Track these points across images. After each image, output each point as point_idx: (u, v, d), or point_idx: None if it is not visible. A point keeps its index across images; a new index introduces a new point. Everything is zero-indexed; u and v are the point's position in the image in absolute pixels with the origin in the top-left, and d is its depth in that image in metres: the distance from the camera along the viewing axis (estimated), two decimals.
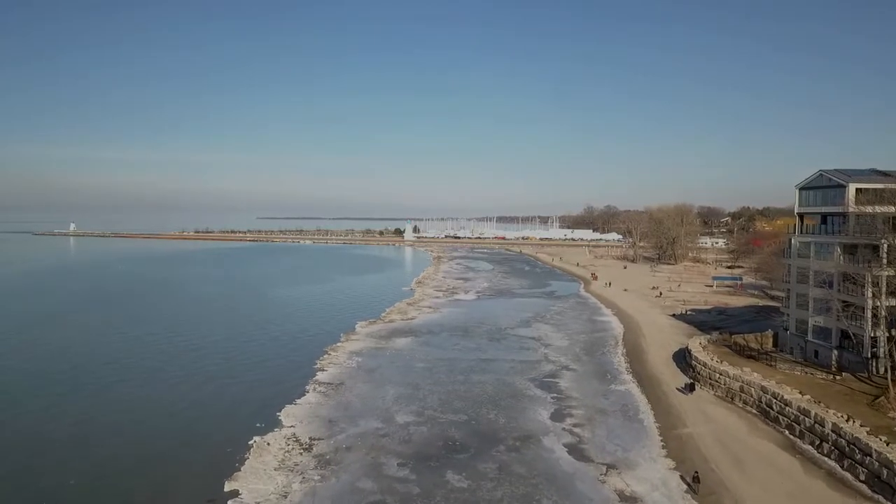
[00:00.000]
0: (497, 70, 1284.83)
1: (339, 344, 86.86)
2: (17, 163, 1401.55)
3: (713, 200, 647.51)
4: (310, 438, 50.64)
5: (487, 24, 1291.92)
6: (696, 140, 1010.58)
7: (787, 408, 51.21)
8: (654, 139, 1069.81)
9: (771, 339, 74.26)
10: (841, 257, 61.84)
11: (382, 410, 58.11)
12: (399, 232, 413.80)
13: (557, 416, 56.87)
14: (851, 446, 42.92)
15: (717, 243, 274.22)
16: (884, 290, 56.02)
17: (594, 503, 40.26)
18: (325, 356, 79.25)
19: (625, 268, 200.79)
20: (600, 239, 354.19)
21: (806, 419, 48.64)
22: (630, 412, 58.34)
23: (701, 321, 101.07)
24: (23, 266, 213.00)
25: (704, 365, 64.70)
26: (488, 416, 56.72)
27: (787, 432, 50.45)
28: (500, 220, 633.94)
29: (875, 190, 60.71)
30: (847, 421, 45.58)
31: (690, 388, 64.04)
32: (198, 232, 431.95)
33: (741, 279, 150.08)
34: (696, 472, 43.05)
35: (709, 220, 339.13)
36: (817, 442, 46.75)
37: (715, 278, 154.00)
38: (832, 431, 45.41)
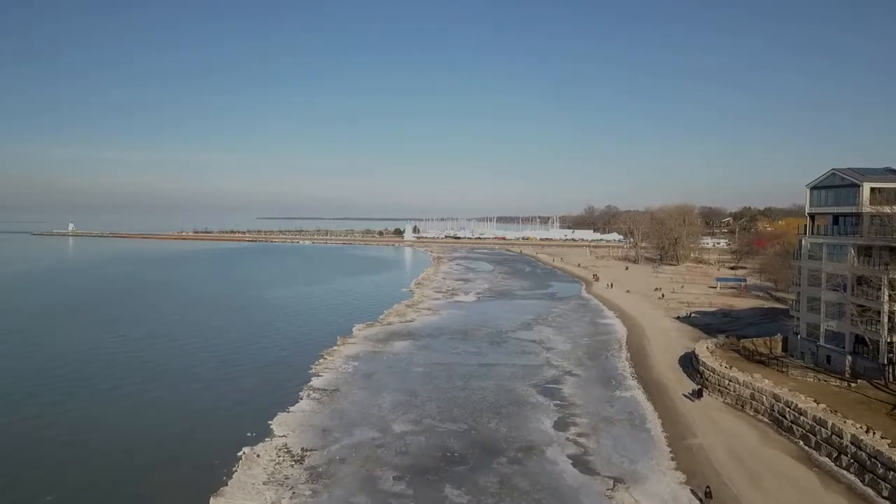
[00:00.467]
0: (497, 70, 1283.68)
1: (335, 348, 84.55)
2: (17, 163, 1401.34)
3: (714, 200, 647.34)
4: (302, 449, 48.36)
5: (487, 24, 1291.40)
6: (696, 140, 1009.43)
7: (802, 417, 48.93)
8: (655, 139, 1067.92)
9: (780, 344, 71.99)
10: (855, 259, 59.55)
11: (378, 419, 55.82)
12: (399, 232, 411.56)
13: (561, 426, 54.56)
14: (873, 460, 40.66)
15: (718, 244, 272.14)
16: None
17: None
18: (321, 361, 76.97)
19: (626, 269, 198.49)
20: (601, 239, 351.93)
21: (822, 430, 46.37)
22: (636, 421, 56.03)
23: (706, 324, 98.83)
24: (17, 267, 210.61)
25: (713, 371, 62.40)
26: (489, 425, 54.42)
27: (801, 443, 48.20)
28: (501, 220, 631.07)
29: (891, 189, 58.50)
30: (867, 432, 43.28)
31: (698, 394, 61.80)
32: (197, 232, 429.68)
33: (745, 280, 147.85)
34: (708, 487, 40.81)
35: (710, 220, 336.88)
36: (835, 454, 44.48)
37: (719, 279, 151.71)
38: (851, 444, 43.14)
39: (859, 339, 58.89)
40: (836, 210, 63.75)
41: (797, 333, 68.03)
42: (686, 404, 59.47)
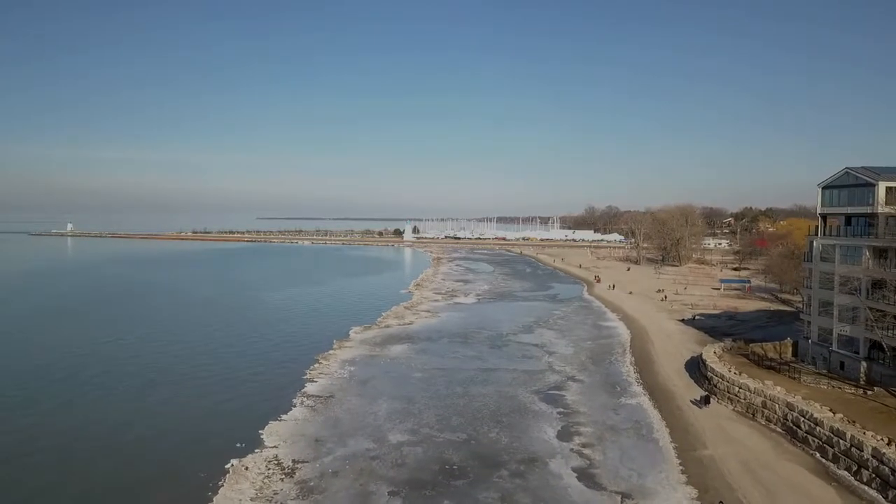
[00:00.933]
0: (497, 70, 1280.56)
1: (331, 352, 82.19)
2: (17, 163, 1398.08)
3: (714, 201, 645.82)
4: (293, 461, 46.03)
5: (487, 24, 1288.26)
6: (696, 140, 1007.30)
7: (818, 428, 46.61)
8: (655, 139, 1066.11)
9: (790, 348, 69.65)
10: (870, 261, 57.26)
11: (374, 428, 53.46)
12: (398, 233, 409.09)
13: (565, 435, 52.20)
14: None
15: (720, 244, 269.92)
16: None
17: None
18: (316, 365, 74.60)
19: (628, 269, 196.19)
20: (602, 240, 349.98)
21: (840, 441, 44.04)
22: (643, 430, 53.65)
23: (711, 326, 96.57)
24: (10, 266, 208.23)
25: (722, 377, 60.07)
26: (489, 435, 52.06)
27: (818, 455, 45.89)
28: (501, 220, 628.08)
29: None
30: (888, 445, 41.01)
31: (706, 400, 59.53)
32: (195, 232, 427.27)
33: (749, 282, 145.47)
34: (721, 503, 38.54)
35: (711, 220, 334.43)
36: (854, 468, 42.16)
37: (722, 281, 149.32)
38: (872, 457, 40.84)
39: (875, 345, 56.59)
40: (849, 210, 61.54)
41: (808, 338, 65.74)
42: (694, 412, 57.16)
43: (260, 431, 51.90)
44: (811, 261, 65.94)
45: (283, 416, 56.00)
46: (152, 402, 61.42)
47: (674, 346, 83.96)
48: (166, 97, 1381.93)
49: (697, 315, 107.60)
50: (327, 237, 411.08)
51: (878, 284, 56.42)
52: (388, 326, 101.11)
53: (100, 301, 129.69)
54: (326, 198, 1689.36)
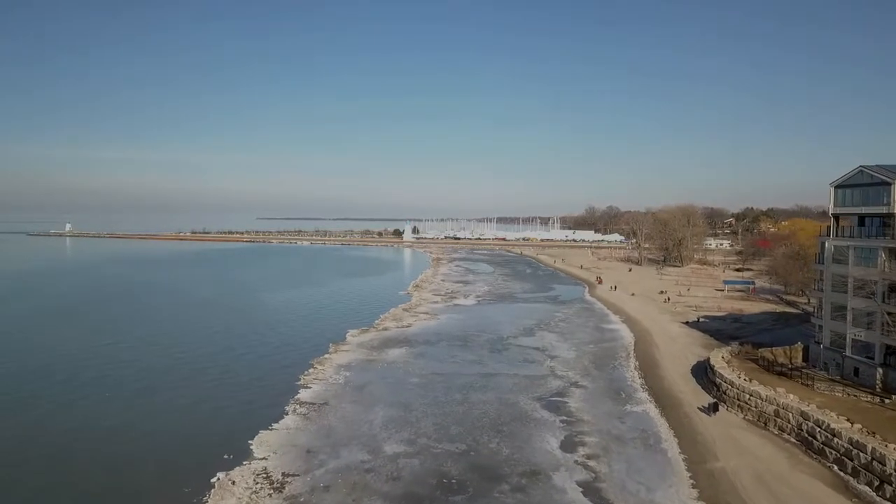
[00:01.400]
0: (497, 70, 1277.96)
1: (326, 356, 79.87)
2: (17, 163, 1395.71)
3: (714, 201, 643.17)
4: (283, 474, 43.68)
5: (487, 24, 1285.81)
6: (696, 140, 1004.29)
7: (836, 439, 44.28)
8: (655, 139, 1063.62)
9: (801, 353, 67.34)
10: (887, 264, 54.93)
11: (369, 438, 51.11)
12: (398, 233, 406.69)
13: (568, 446, 49.85)
14: None
15: (721, 244, 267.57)
16: None
17: None
18: (311, 370, 72.26)
19: (630, 270, 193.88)
20: (602, 240, 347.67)
21: (860, 454, 41.71)
22: (651, 440, 51.31)
23: (716, 329, 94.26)
24: (9, 267, 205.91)
25: (731, 384, 57.71)
26: (489, 446, 49.72)
27: (836, 468, 43.55)
28: (501, 220, 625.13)
29: None
30: None
31: (714, 408, 57.21)
32: (195, 233, 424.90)
33: (754, 283, 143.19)
34: None
35: (712, 221, 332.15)
36: (876, 483, 39.84)
37: (726, 282, 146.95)
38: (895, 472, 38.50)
39: (891, 350, 54.27)
40: (863, 210, 59.21)
41: (819, 342, 63.38)
42: (703, 421, 54.80)
43: (249, 442, 49.58)
44: (823, 262, 63.63)
45: (275, 425, 53.65)
46: (142, 410, 58.62)
47: (679, 350, 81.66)
48: (166, 97, 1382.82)
49: (702, 317, 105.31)
50: (327, 237, 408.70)
51: (894, 288, 54.06)
52: (385, 329, 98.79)
53: (98, 301, 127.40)
54: (326, 198, 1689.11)
